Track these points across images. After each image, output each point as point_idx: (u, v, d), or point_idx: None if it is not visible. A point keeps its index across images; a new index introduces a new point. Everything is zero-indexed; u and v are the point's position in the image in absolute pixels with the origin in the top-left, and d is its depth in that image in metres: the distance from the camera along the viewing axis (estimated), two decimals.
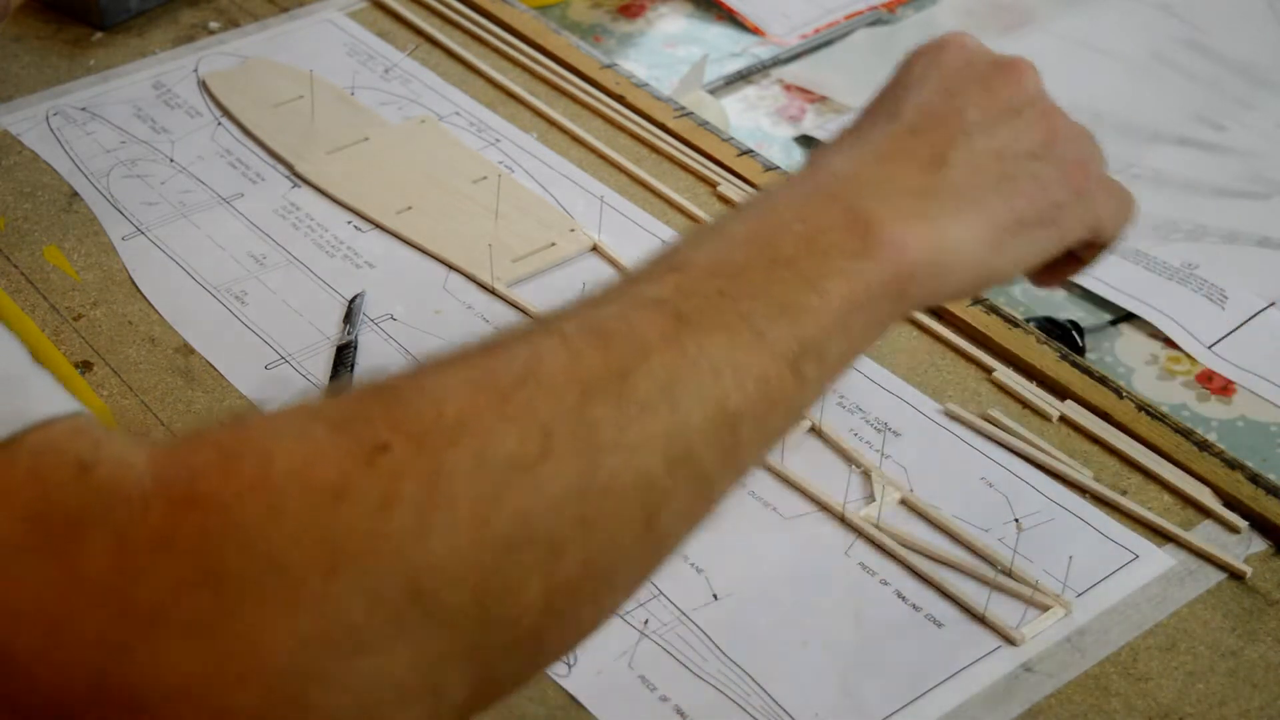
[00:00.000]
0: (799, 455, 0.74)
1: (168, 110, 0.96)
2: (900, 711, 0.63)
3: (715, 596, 0.67)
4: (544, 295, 0.83)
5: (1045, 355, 0.79)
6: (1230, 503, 0.72)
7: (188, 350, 0.79)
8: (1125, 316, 0.87)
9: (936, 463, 0.74)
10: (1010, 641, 0.66)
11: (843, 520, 0.71)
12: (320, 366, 0.78)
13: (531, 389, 0.43)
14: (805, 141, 1.01)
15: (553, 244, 0.86)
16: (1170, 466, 0.74)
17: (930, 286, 0.53)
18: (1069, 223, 0.58)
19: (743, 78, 1.07)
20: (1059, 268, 0.61)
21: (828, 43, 1.10)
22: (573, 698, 0.63)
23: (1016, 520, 0.70)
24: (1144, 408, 0.76)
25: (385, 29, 1.04)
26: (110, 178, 0.90)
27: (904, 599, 0.68)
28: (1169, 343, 0.85)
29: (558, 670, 0.64)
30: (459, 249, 0.85)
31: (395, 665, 0.40)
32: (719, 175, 0.91)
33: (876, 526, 0.70)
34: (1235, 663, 0.65)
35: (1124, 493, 0.72)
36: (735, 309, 0.47)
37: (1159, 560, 0.69)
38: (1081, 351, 0.83)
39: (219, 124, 0.95)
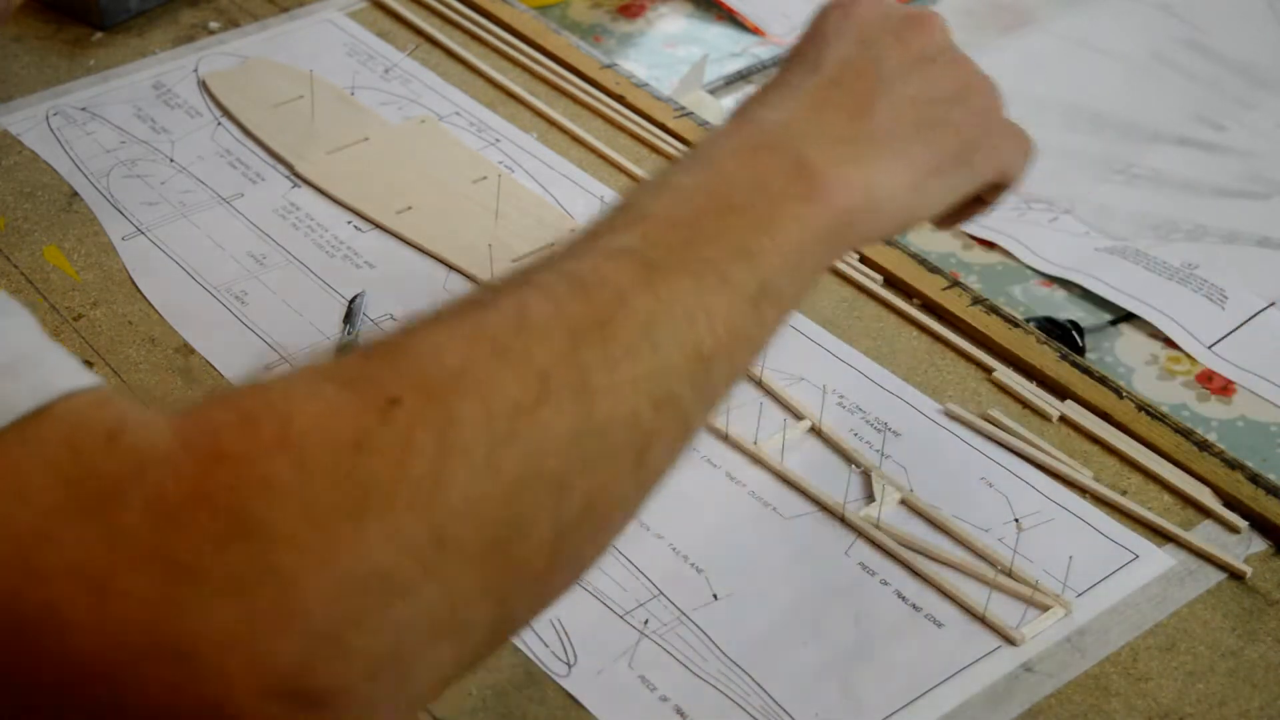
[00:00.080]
0: (799, 455, 0.74)
1: (168, 110, 0.96)
2: (900, 711, 0.63)
3: (715, 596, 0.67)
4: None
5: (1045, 355, 0.79)
6: (1230, 503, 0.72)
7: (188, 350, 0.79)
8: (1125, 316, 0.87)
9: (936, 463, 0.74)
10: (1010, 641, 0.66)
11: (843, 520, 0.71)
12: None
13: (525, 337, 0.45)
14: None
15: (553, 244, 0.85)
16: (1170, 466, 0.74)
17: (863, 229, 0.56)
18: (980, 165, 0.60)
19: (743, 78, 1.07)
20: (965, 209, 0.64)
21: None
22: (573, 698, 0.63)
23: (1016, 520, 0.70)
24: (1144, 408, 0.76)
25: (385, 29, 1.04)
26: (110, 178, 0.90)
27: (904, 599, 0.67)
28: (1169, 343, 0.85)
29: (558, 670, 0.64)
30: (459, 249, 0.85)
31: (425, 606, 0.41)
32: None
33: (876, 526, 0.70)
34: (1235, 663, 0.65)
35: (1124, 493, 0.72)
36: (698, 255, 0.50)
37: (1159, 560, 0.69)
38: (1081, 351, 0.83)
39: (219, 124, 0.95)
